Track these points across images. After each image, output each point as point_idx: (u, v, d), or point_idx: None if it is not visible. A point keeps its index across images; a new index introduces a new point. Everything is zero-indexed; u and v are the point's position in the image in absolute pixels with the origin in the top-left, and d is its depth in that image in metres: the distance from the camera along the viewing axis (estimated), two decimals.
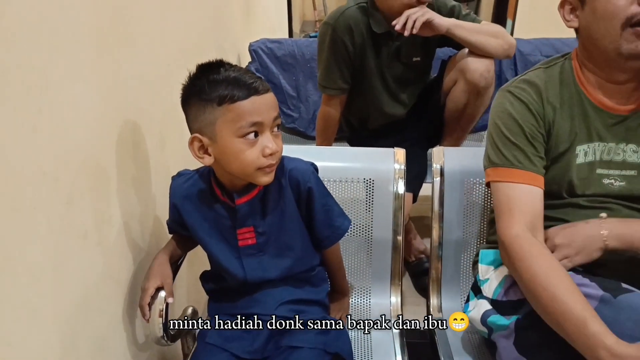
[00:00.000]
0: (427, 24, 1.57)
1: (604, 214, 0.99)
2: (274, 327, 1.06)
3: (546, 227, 1.02)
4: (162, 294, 1.06)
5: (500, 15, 3.92)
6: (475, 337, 1.21)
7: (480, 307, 1.07)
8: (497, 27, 1.68)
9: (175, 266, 1.16)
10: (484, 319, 1.05)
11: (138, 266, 1.15)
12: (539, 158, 1.02)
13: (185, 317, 1.16)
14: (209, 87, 0.94)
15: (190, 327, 1.13)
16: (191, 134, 0.99)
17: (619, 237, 0.95)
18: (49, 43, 0.78)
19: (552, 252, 0.97)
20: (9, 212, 0.70)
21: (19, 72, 0.71)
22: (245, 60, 2.20)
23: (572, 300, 0.85)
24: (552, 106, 1.03)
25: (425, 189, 1.56)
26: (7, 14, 0.68)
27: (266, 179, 1.00)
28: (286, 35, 3.67)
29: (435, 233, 1.30)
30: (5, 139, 0.69)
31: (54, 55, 0.80)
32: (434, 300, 1.30)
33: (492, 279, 1.09)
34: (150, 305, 1.05)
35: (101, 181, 0.99)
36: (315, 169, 1.13)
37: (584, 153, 1.03)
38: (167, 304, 1.07)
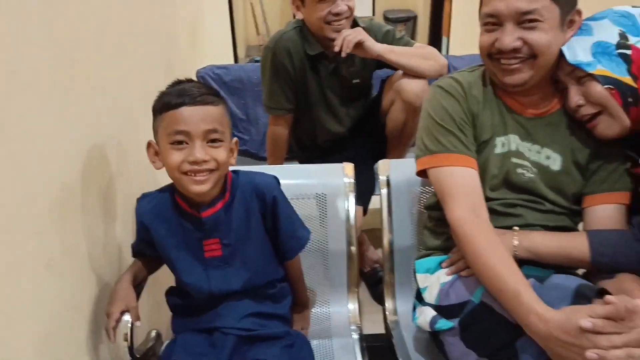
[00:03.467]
0: (359, 45, 1.66)
1: (516, 227, 1.11)
2: (238, 336, 1.11)
3: None
4: (127, 317, 1.09)
5: (436, 34, 4.13)
6: (429, 337, 1.29)
7: (426, 313, 1.15)
8: (429, 49, 1.80)
9: (139, 288, 1.18)
10: (431, 325, 1.13)
11: (100, 292, 1.17)
12: (470, 144, 1.13)
13: (150, 340, 1.20)
14: (160, 98, 1.03)
15: (155, 349, 1.16)
16: None
17: (526, 249, 1.07)
18: (7, 83, 0.82)
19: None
20: None
21: None
22: None
23: (508, 275, 0.95)
24: (476, 100, 1.16)
25: (375, 202, 1.63)
26: None
27: (196, 187, 1.03)
28: (231, 60, 3.73)
29: (386, 240, 1.38)
30: None
31: (13, 93, 0.83)
32: (389, 304, 1.38)
33: (430, 285, 1.18)
34: (115, 329, 1.08)
35: (66, 212, 1.02)
36: (278, 182, 1.19)
37: (501, 144, 1.15)
38: (132, 328, 1.09)
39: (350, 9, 1.71)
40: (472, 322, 1.03)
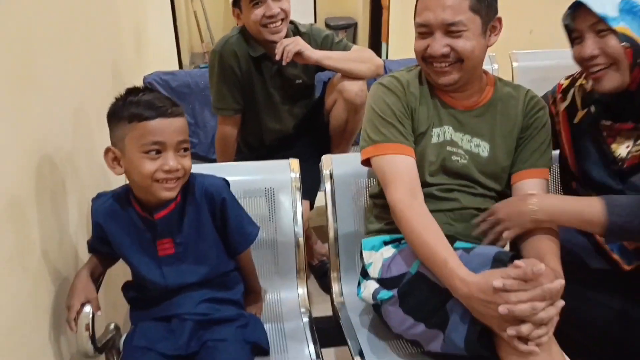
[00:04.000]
0: (299, 54, 1.78)
1: (533, 191, 1.22)
2: (195, 321, 1.19)
3: None
4: (87, 309, 1.14)
5: (376, 40, 4.31)
6: (372, 314, 1.40)
7: (370, 287, 1.27)
8: (365, 53, 1.93)
9: (97, 283, 1.24)
10: (374, 296, 1.25)
11: (59, 287, 1.22)
12: (409, 134, 1.27)
13: (110, 332, 1.26)
14: (124, 107, 1.09)
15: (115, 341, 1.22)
16: None
17: (544, 210, 1.17)
18: None
19: (498, 224, 1.20)
20: None
21: None
22: None
23: (437, 246, 1.10)
24: (413, 96, 1.29)
25: (322, 200, 1.74)
26: None
27: (166, 193, 1.12)
28: (176, 68, 3.77)
29: (331, 229, 1.49)
30: None
31: None
32: (335, 288, 1.48)
33: (374, 261, 1.30)
34: (76, 320, 1.13)
35: (21, 212, 1.07)
36: (227, 184, 1.27)
37: (437, 135, 1.29)
38: (92, 318, 1.15)
39: (285, 12, 1.81)
40: (409, 291, 1.16)
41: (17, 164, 1.07)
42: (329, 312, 1.52)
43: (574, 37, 1.20)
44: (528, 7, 3.88)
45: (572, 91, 1.33)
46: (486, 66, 1.58)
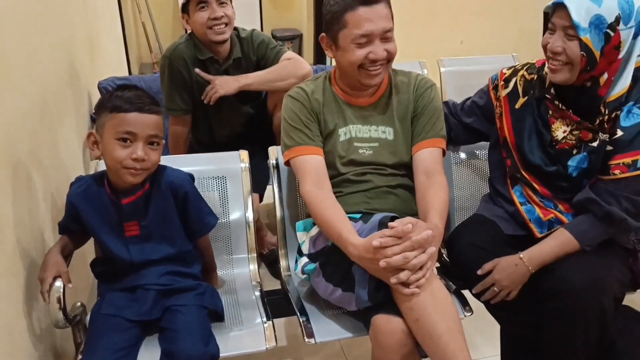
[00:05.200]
0: (221, 95, 2.00)
1: (521, 255, 1.39)
2: (157, 290, 1.34)
3: (346, 194, 1.47)
4: (59, 282, 1.28)
5: (320, 49, 4.54)
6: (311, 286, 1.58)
7: (301, 262, 1.49)
8: (287, 68, 2.06)
9: (67, 260, 1.37)
10: (303, 269, 1.47)
11: (31, 263, 1.35)
12: (315, 136, 1.49)
13: (77, 309, 1.39)
14: (110, 99, 1.26)
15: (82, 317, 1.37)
16: None
17: (534, 260, 1.38)
18: None
19: (494, 284, 1.40)
20: None
21: None
22: (95, 97, 2.41)
23: (334, 222, 1.34)
24: (318, 102, 1.50)
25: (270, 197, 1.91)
26: None
27: (132, 179, 1.29)
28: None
29: (278, 211, 1.68)
30: None
31: None
32: (283, 263, 1.67)
33: (305, 240, 1.51)
34: (49, 292, 1.26)
35: None
36: (192, 178, 1.44)
37: (343, 133, 1.51)
38: (63, 291, 1.28)
39: (228, 17, 1.99)
40: (327, 261, 1.39)
41: None
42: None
43: (549, 27, 1.40)
44: (459, 19, 4.23)
45: (514, 80, 1.55)
46: (416, 70, 1.80)
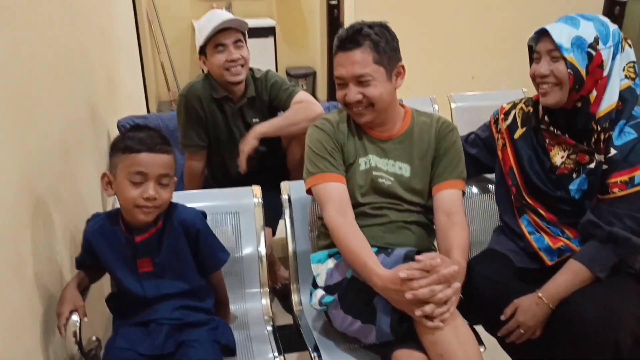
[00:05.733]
0: (250, 154, 2.06)
1: (539, 293, 1.39)
2: (170, 325, 1.36)
3: (362, 226, 1.47)
4: (75, 317, 1.31)
5: (333, 86, 4.63)
6: (325, 320, 1.58)
7: (318, 294, 1.50)
8: (301, 112, 2.09)
9: (83, 295, 1.40)
10: (320, 301, 1.48)
11: (50, 297, 1.38)
12: (339, 165, 1.52)
13: (92, 343, 1.41)
14: (122, 140, 1.31)
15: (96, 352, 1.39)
16: None
17: (552, 296, 1.38)
18: None
19: (518, 327, 1.40)
20: None
21: None
22: (114, 135, 2.48)
23: (359, 251, 1.36)
24: (342, 133, 1.55)
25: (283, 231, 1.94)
26: None
27: (144, 217, 1.33)
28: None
29: (290, 246, 1.70)
30: None
31: None
32: (295, 298, 1.68)
33: (321, 272, 1.53)
34: (65, 326, 1.29)
35: (18, 233, 1.24)
36: (205, 215, 1.47)
37: (364, 162, 1.54)
38: (80, 325, 1.31)
39: (244, 58, 2.07)
40: (346, 293, 1.40)
41: (15, 193, 1.25)
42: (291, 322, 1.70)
43: (535, 57, 1.47)
44: (470, 55, 4.29)
45: (513, 112, 1.62)
46: (427, 107, 1.85)
